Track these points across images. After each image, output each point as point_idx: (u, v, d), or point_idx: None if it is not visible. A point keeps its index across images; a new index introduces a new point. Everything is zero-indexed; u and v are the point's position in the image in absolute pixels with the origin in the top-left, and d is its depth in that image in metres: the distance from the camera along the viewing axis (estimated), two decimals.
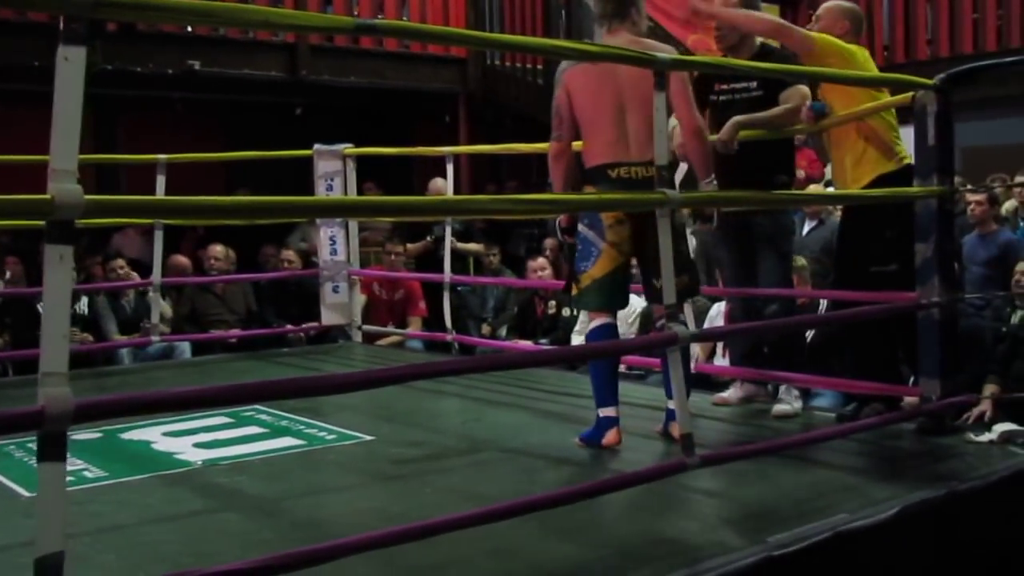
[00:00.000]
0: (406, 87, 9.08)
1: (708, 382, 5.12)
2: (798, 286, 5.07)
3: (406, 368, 3.05)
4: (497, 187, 9.70)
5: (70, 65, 1.96)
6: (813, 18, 4.51)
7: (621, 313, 4.53)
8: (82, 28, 1.97)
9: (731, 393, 4.71)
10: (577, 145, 4.02)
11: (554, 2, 8.96)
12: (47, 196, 1.92)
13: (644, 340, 3.54)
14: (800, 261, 5.25)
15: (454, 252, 6.63)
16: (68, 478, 3.46)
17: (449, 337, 6.30)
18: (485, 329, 7.67)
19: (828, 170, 8.94)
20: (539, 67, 8.95)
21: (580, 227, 3.89)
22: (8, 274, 6.51)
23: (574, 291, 3.93)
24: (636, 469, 3.21)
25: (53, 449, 1.93)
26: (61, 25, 1.94)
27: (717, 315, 5.73)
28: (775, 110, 4.29)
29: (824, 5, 4.49)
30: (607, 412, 3.85)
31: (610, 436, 3.82)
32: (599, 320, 3.92)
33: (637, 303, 5.81)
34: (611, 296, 3.88)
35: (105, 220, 6.34)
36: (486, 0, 9.46)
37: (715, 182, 3.91)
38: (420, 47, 9.16)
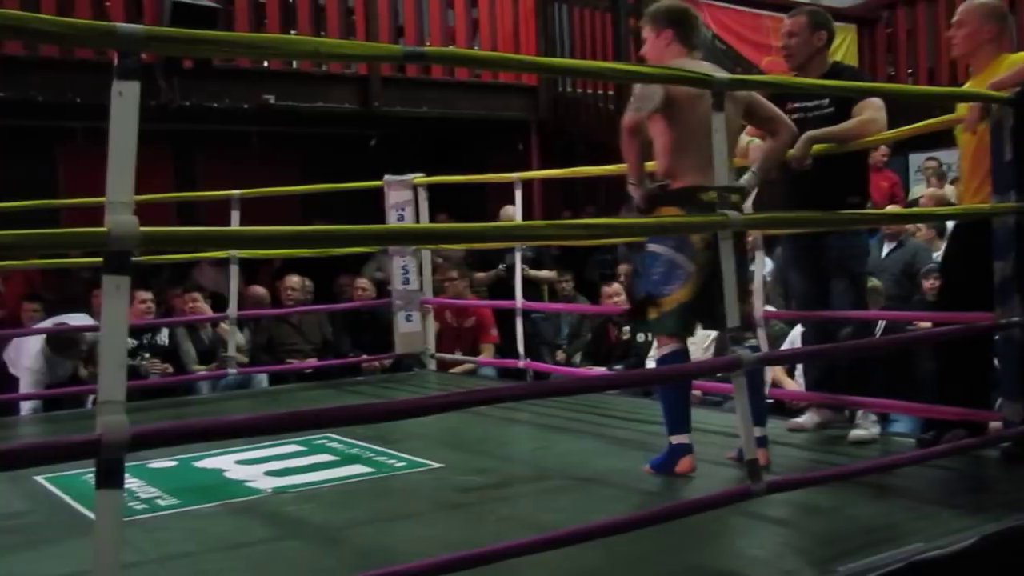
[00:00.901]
0: (477, 116, 9.14)
1: (783, 408, 5.03)
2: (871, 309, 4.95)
3: (474, 393, 3.06)
4: (573, 214, 9.69)
5: (124, 100, 2.01)
6: (954, 24, 4.18)
7: (697, 338, 4.48)
8: (134, 63, 2.01)
9: (806, 419, 4.61)
10: (650, 165, 3.95)
11: (624, 29, 8.95)
12: (103, 229, 1.97)
13: (708, 364, 3.47)
14: (872, 282, 5.12)
15: (526, 280, 6.62)
16: (141, 505, 3.56)
17: (522, 364, 6.28)
18: (559, 356, 7.65)
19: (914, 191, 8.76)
20: (610, 93, 8.94)
21: (662, 248, 3.77)
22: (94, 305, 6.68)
23: (651, 314, 3.81)
24: (701, 497, 3.15)
25: (110, 476, 1.97)
26: (115, 60, 1.99)
27: (796, 339, 5.62)
28: (848, 123, 4.19)
29: (964, 6, 4.13)
30: (679, 439, 3.77)
31: (683, 464, 3.74)
32: (670, 346, 3.84)
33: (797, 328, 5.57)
34: (691, 321, 3.82)
35: (183, 255, 6.59)
36: (556, 27, 9.49)
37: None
38: (491, 76, 9.22)
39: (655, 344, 6.42)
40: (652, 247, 3.84)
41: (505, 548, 2.55)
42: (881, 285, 5.32)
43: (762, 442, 3.69)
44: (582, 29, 9.36)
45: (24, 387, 6.26)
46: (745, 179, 3.85)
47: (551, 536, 2.62)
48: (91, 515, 3.47)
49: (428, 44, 8.56)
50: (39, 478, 4.03)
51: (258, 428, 2.24)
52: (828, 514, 3.27)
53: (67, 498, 3.79)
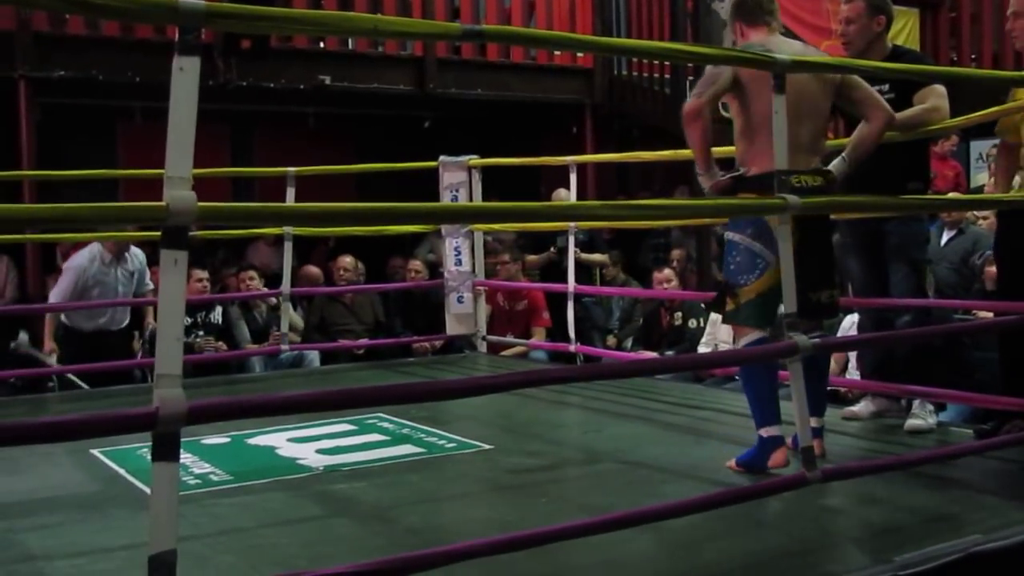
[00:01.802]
0: (532, 98, 9.11)
1: (838, 396, 4.96)
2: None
3: (524, 374, 3.03)
4: (627, 199, 9.62)
5: (185, 75, 2.02)
6: (1011, 15, 4.09)
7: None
8: (196, 39, 2.02)
9: (861, 407, 4.54)
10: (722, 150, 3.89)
11: (681, 10, 8.85)
12: (162, 203, 1.98)
13: (763, 351, 3.41)
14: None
15: (578, 263, 6.59)
16: (195, 481, 3.61)
17: (573, 348, 6.26)
18: (610, 340, 7.61)
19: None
20: (666, 76, 8.86)
21: (740, 237, 3.62)
22: (150, 284, 6.76)
23: (729, 305, 3.64)
24: (756, 483, 3.12)
25: (166, 449, 1.98)
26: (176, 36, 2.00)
27: (851, 327, 5.54)
28: (911, 111, 4.10)
29: None
30: (770, 432, 3.53)
31: (776, 457, 3.50)
32: (753, 335, 3.62)
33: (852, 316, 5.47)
34: (772, 312, 3.55)
35: (238, 233, 6.65)
36: (612, 9, 9.41)
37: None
38: (546, 58, 9.17)
39: (708, 330, 6.43)
40: (730, 235, 3.68)
41: (556, 530, 2.54)
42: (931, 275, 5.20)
43: (818, 432, 3.60)
44: (639, 10, 9.27)
45: None
46: (834, 165, 3.74)
47: (603, 519, 2.61)
48: (147, 489, 3.53)
49: (483, 24, 8.54)
50: (96, 451, 4.09)
51: (313, 404, 2.25)
52: (884, 503, 3.22)
53: (123, 472, 3.85)
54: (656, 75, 9.00)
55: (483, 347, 6.99)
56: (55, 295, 6.29)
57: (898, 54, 4.34)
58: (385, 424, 4.61)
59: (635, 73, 9.31)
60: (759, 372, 3.56)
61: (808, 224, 3.40)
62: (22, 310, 6.85)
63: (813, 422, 3.57)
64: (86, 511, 3.42)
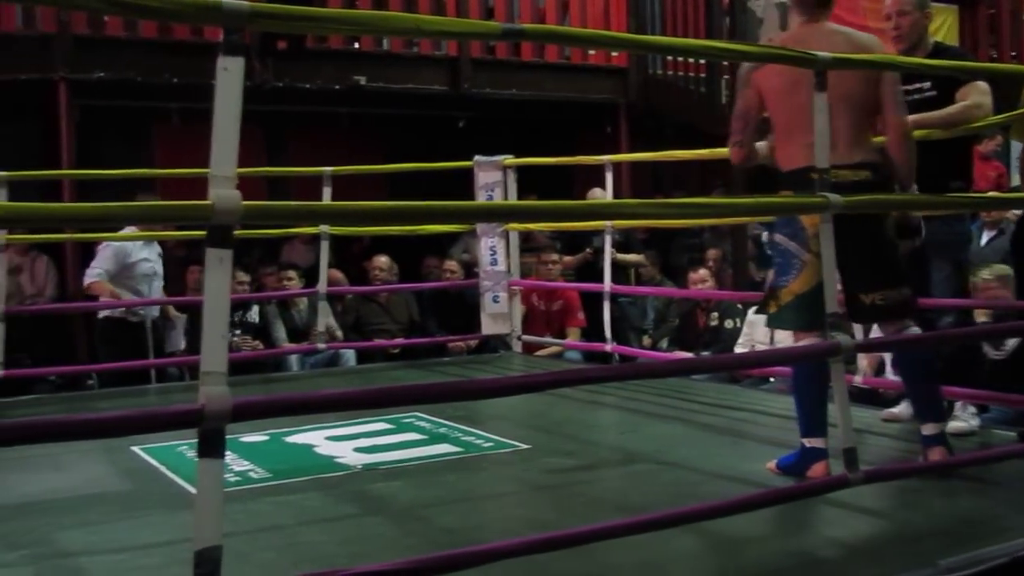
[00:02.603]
0: (566, 98, 9.10)
1: (877, 397, 4.91)
2: None
3: (562, 374, 3.04)
4: (662, 198, 9.58)
5: (229, 75, 2.03)
6: None
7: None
8: (239, 39, 2.03)
9: (901, 409, 4.49)
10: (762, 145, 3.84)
11: (716, 8, 8.80)
12: (208, 202, 1.99)
13: (805, 351, 3.38)
14: None
15: (614, 263, 6.58)
16: (234, 478, 3.63)
17: (608, 348, 6.24)
18: (645, 341, 7.59)
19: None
20: (701, 75, 8.82)
21: (778, 237, 3.57)
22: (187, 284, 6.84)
23: (772, 307, 3.57)
24: (797, 484, 3.10)
25: (212, 446, 2.00)
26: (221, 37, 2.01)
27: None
28: (953, 108, 4.05)
29: None
30: (814, 443, 3.44)
31: (817, 469, 3.40)
32: (808, 339, 3.47)
33: None
34: (816, 313, 3.30)
35: (275, 232, 6.69)
36: (647, 7, 9.37)
37: (916, 189, 3.62)
38: (581, 57, 9.15)
39: (744, 331, 6.40)
40: (774, 235, 3.63)
41: (595, 530, 2.53)
42: None
43: (937, 440, 3.47)
44: (673, 9, 9.23)
45: None
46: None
47: (643, 519, 2.60)
48: (187, 486, 3.57)
49: (517, 23, 8.53)
50: (135, 448, 4.13)
51: (355, 403, 2.26)
52: (927, 506, 3.19)
53: (163, 468, 3.88)
54: (691, 74, 8.96)
55: (518, 347, 6.99)
56: (99, 264, 6.35)
57: (940, 51, 4.29)
58: (422, 423, 4.62)
59: (669, 72, 9.27)
60: (808, 380, 3.46)
61: (853, 222, 3.27)
62: (62, 308, 6.94)
63: (930, 428, 3.48)
64: (127, 507, 3.46)
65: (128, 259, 6.39)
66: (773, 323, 3.65)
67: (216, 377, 2.00)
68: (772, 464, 3.59)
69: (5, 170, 5.45)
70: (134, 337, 6.39)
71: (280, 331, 7.09)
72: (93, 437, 2.08)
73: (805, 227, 3.42)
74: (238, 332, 6.87)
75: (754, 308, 5.89)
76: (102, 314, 6.49)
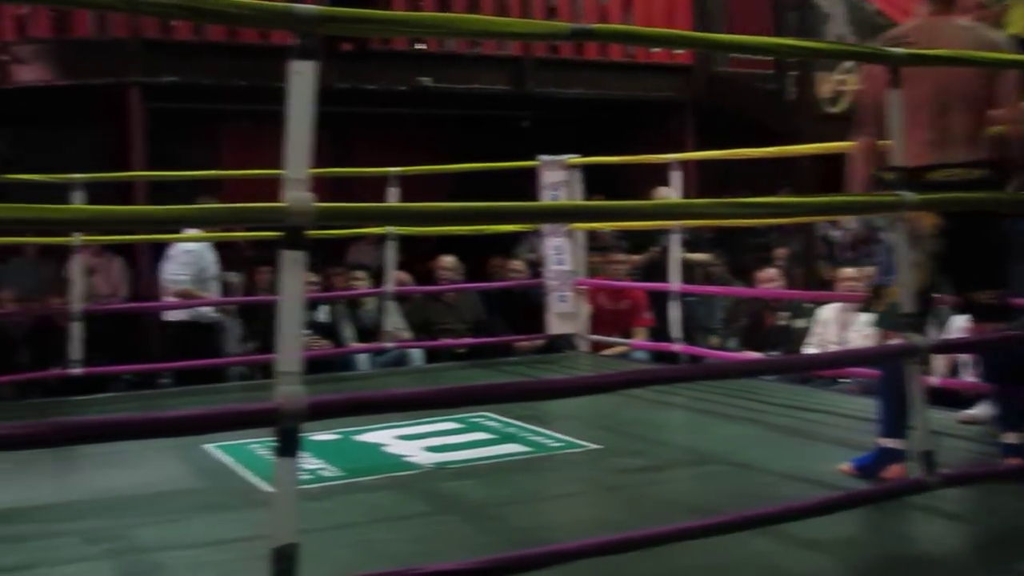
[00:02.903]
0: (630, 97, 9.05)
1: (953, 398, 4.81)
2: None
3: (632, 374, 3.03)
4: (728, 196, 9.49)
5: (302, 78, 2.05)
6: None
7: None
8: (312, 43, 2.05)
9: (980, 410, 4.39)
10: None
11: (782, 3, 8.70)
12: (283, 204, 2.02)
13: (879, 351, 3.32)
14: None
15: (681, 262, 6.52)
16: (306, 476, 3.67)
17: (676, 348, 6.20)
18: (713, 340, 7.51)
19: None
20: (768, 72, 8.72)
21: (887, 236, 3.48)
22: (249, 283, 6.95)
23: (878, 306, 3.49)
24: (874, 487, 3.04)
25: (288, 444, 2.02)
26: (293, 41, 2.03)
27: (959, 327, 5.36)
28: None
29: None
30: (892, 444, 3.38)
31: (893, 471, 3.35)
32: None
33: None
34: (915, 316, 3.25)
35: (340, 232, 6.75)
36: (711, 2, 9.29)
37: None
38: (644, 56, 9.10)
39: (814, 330, 6.29)
40: (882, 233, 3.57)
41: (668, 532, 2.52)
42: None
43: (1020, 451, 3.37)
44: (737, 5, 9.14)
45: None
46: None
47: (716, 521, 2.57)
48: (258, 483, 3.62)
49: (582, 22, 8.51)
50: (207, 446, 4.18)
51: (429, 402, 2.27)
52: (1005, 512, 3.11)
53: (234, 466, 3.93)
54: (757, 71, 8.87)
55: (584, 347, 6.97)
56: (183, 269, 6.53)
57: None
58: (490, 423, 4.62)
59: (734, 70, 9.18)
60: (894, 380, 3.33)
61: (969, 221, 3.20)
62: (135, 308, 7.08)
63: (1012, 438, 3.39)
64: (201, 504, 3.51)
65: (202, 262, 6.51)
66: (881, 323, 3.52)
67: (292, 377, 2.02)
68: (846, 466, 3.52)
69: (80, 173, 5.55)
70: (204, 338, 6.50)
71: (348, 330, 7.15)
72: (174, 435, 2.12)
73: (895, 226, 3.29)
74: (307, 332, 6.93)
75: (848, 307, 5.72)
76: (174, 316, 6.61)
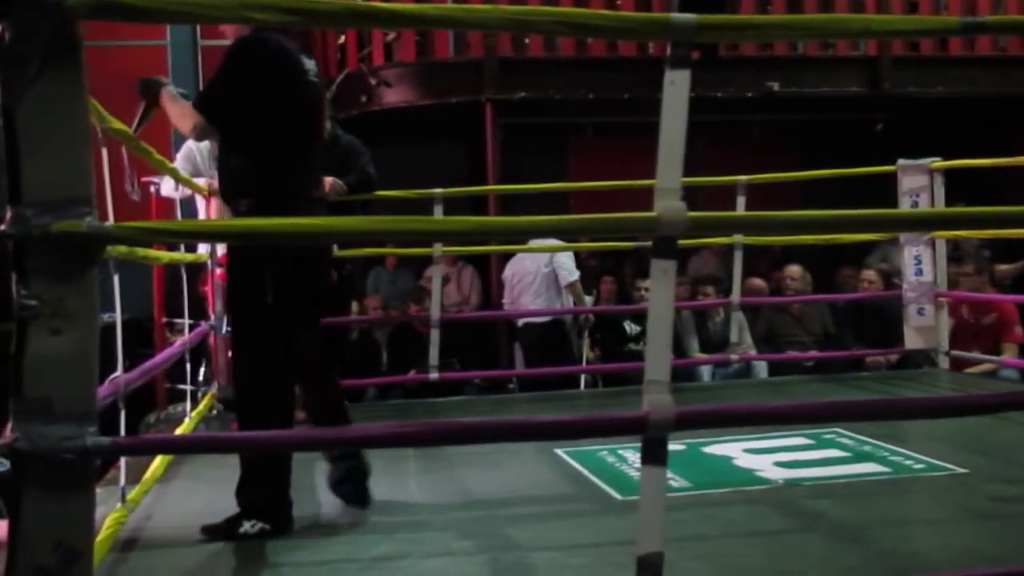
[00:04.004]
0: (1000, 94, 8.37)
1: None
2: None
3: (1013, 395, 2.78)
4: None
5: (675, 88, 2.05)
6: None
7: None
8: (686, 52, 2.05)
9: None
10: None
11: None
12: (653, 214, 2.03)
13: None
14: None
15: None
16: None
17: None
18: None
19: None
20: None
21: None
22: (594, 292, 7.08)
23: None
24: None
25: (655, 453, 2.03)
26: (668, 51, 2.04)
27: None
28: None
29: None
30: None
31: None
32: None
33: None
34: None
35: (689, 241, 6.74)
36: None
37: None
38: (1018, 48, 8.37)
39: None
40: None
41: None
42: None
43: None
44: None
45: None
46: None
47: None
48: (608, 489, 3.68)
49: (946, 14, 7.95)
50: (559, 451, 4.29)
51: (797, 416, 2.20)
52: None
53: (585, 471, 4.01)
54: None
55: (945, 363, 6.51)
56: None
57: None
58: (844, 440, 4.43)
59: None
60: None
61: None
62: (485, 316, 7.45)
63: None
64: (557, 507, 3.61)
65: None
66: None
67: (660, 386, 2.03)
68: None
69: (439, 187, 5.89)
70: (558, 343, 6.74)
71: (693, 341, 7.13)
72: (547, 439, 2.20)
73: None
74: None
75: None
76: (526, 321, 6.89)
